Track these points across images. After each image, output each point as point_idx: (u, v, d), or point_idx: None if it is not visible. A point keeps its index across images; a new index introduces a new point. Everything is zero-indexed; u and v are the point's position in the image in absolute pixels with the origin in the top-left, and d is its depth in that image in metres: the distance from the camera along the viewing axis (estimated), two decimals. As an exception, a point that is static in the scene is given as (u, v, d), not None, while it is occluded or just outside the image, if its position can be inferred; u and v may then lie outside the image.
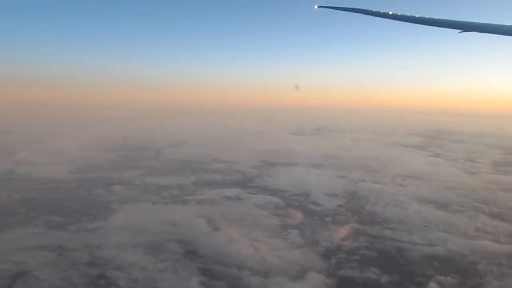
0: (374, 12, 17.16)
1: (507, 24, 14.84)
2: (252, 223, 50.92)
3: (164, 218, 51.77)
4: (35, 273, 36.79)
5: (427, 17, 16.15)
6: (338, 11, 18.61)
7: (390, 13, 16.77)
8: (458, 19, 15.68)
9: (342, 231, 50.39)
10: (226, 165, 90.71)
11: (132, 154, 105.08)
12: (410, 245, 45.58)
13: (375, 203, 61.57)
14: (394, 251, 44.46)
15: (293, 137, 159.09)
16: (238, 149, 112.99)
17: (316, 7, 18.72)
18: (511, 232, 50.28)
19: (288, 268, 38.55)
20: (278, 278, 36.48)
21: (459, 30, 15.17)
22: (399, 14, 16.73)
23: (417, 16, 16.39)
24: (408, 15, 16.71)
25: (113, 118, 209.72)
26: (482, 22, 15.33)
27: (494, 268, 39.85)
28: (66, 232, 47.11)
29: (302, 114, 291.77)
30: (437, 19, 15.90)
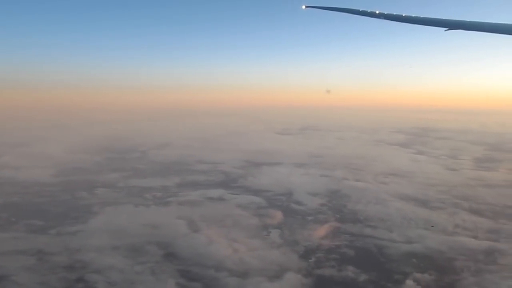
0: (361, 11, 17.44)
1: (491, 22, 15.19)
2: (233, 223, 51.05)
3: (145, 220, 51.71)
4: (13, 278, 36.59)
5: (413, 15, 16.44)
6: (325, 11, 18.87)
7: (377, 12, 17.04)
8: (444, 18, 15.98)
9: (323, 230, 50.70)
10: (210, 166, 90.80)
11: (117, 156, 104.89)
12: (389, 243, 45.91)
13: (357, 201, 61.98)
14: (374, 249, 44.77)
15: (278, 136, 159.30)
16: (223, 149, 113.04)
17: (303, 7, 18.90)
18: (490, 228, 50.81)
19: (266, 268, 38.72)
20: (255, 279, 36.61)
21: (445, 28, 15.46)
22: (385, 13, 16.99)
23: (404, 15, 16.68)
24: (395, 14, 16.99)
25: (100, 120, 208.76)
26: (467, 20, 15.65)
27: (471, 264, 40.30)
28: (46, 236, 46.92)
29: (288, 114, 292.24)
30: (423, 17, 16.20)
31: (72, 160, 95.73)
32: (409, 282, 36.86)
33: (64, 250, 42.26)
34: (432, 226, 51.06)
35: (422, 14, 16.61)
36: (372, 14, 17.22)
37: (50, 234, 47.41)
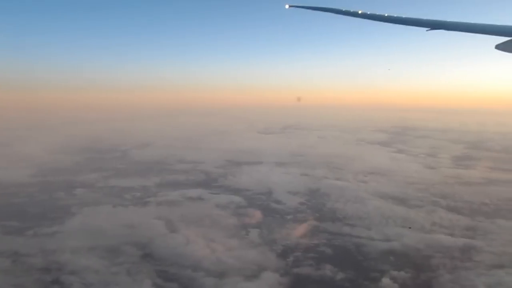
0: (344, 11, 17.43)
1: (472, 22, 15.31)
2: (211, 223, 50.87)
3: (123, 220, 51.15)
4: (-13, 280, 36.23)
5: (395, 15, 16.47)
6: (308, 10, 18.86)
7: (360, 12, 17.05)
8: (425, 18, 16.05)
9: (302, 229, 50.86)
10: (191, 165, 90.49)
11: (98, 156, 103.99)
12: (367, 241, 46.27)
13: (336, 200, 62.28)
14: (352, 247, 45.06)
15: (260, 136, 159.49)
16: (204, 149, 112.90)
17: (287, 6, 18.83)
18: (466, 225, 51.49)
19: (243, 268, 38.71)
20: (232, 278, 36.59)
21: (427, 28, 15.52)
22: (368, 13, 17.00)
23: (386, 14, 16.70)
24: (377, 14, 17.00)
25: (81, 120, 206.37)
26: (448, 20, 15.73)
27: (447, 261, 40.80)
28: (23, 237, 46.18)
29: (271, 113, 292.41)
30: (405, 17, 16.23)
31: (51, 160, 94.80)
32: (385, 280, 37.14)
33: (40, 252, 41.74)
34: (409, 228, 51.40)
35: (404, 14, 16.70)
36: (355, 14, 17.25)
37: (27, 236, 46.67)
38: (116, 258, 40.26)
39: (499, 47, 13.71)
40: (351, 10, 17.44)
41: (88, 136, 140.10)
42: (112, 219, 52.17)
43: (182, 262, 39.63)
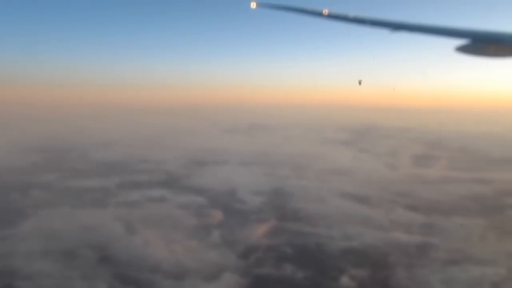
0: (309, 11, 17.22)
1: (434, 24, 15.36)
2: (172, 224, 50.37)
3: (81, 223, 49.91)
4: None
5: (359, 16, 16.38)
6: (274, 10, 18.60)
7: (325, 12, 16.86)
8: (390, 19, 16.01)
9: (264, 229, 50.82)
10: (153, 165, 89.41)
11: (56, 155, 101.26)
12: (328, 240, 46.67)
13: (298, 199, 62.78)
14: (313, 246, 45.36)
15: (225, 135, 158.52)
16: (168, 148, 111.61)
17: (253, 6, 18.32)
18: (423, 223, 52.55)
19: (203, 269, 38.42)
20: (191, 280, 36.30)
21: (391, 30, 15.46)
22: (332, 13, 16.84)
23: (351, 15, 16.58)
24: (342, 14, 16.87)
25: (38, 117, 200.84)
26: (411, 22, 15.75)
27: (403, 259, 41.67)
28: (-26, 241, 44.62)
29: (236, 112, 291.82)
30: (368, 18, 16.14)
31: (6, 159, 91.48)
32: (344, 278, 37.57)
33: (-8, 256, 40.39)
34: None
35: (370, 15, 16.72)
36: (320, 15, 17.11)
37: (-22, 239, 45.06)
38: (72, 262, 39.30)
39: (458, 49, 13.79)
40: (317, 10, 17.32)
41: (45, 134, 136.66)
42: (69, 221, 50.79)
43: (140, 265, 39.02)
